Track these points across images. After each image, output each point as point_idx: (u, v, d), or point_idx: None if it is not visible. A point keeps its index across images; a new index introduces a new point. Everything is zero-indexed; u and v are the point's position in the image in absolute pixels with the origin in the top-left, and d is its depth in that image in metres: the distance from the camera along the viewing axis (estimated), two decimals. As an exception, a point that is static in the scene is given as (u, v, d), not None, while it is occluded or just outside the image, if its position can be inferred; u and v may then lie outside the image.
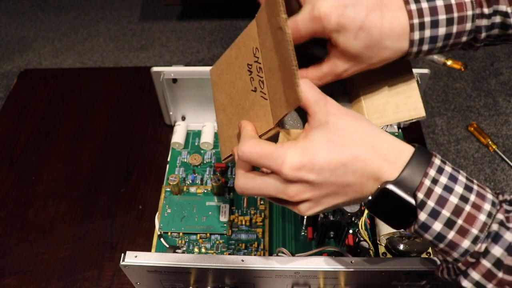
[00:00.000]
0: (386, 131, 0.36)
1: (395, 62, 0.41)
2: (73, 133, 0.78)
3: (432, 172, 0.33)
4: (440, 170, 0.33)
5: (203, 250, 0.60)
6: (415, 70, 0.61)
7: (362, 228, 0.57)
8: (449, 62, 1.69)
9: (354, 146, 0.33)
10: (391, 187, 0.33)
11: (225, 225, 0.62)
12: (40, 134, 0.78)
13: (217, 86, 0.47)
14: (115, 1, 2.11)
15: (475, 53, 1.75)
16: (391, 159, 0.33)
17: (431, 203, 0.32)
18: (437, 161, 0.33)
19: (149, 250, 0.61)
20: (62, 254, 0.62)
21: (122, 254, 0.46)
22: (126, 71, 0.91)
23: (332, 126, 0.34)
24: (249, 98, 0.40)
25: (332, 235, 0.59)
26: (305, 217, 0.60)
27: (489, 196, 0.33)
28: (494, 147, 1.41)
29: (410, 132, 0.74)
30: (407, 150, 0.34)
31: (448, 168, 0.33)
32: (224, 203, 0.64)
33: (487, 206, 0.32)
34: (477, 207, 0.32)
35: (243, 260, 0.45)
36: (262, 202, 0.64)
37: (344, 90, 0.43)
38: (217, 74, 0.47)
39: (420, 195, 0.32)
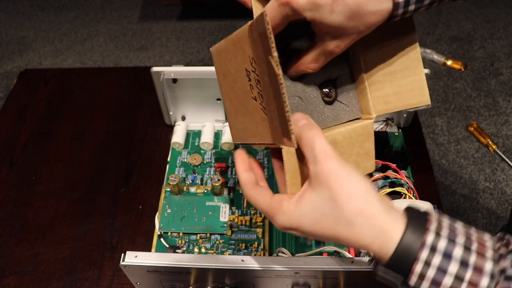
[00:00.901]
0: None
1: (403, 48, 0.40)
2: (73, 133, 0.78)
3: (424, 255, 0.31)
4: (433, 250, 0.31)
5: (203, 250, 0.60)
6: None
7: (362, 228, 0.57)
8: (449, 62, 1.69)
9: (337, 226, 0.33)
10: (381, 273, 0.33)
11: (225, 225, 0.62)
12: (40, 134, 0.78)
13: (220, 72, 0.44)
14: (115, 1, 2.11)
15: (475, 53, 1.75)
16: (378, 241, 0.32)
17: (425, 287, 0.31)
18: (429, 239, 0.31)
19: (149, 250, 0.61)
20: (62, 254, 0.62)
21: (122, 254, 0.46)
22: (126, 71, 0.91)
23: (323, 196, 0.33)
24: (251, 104, 0.39)
25: (332, 235, 0.59)
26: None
27: (488, 266, 0.31)
28: (494, 147, 1.41)
29: (410, 132, 0.74)
30: (397, 228, 0.32)
31: (442, 245, 0.31)
32: (224, 203, 0.64)
33: (484, 283, 0.30)
34: (473, 285, 0.31)
35: (243, 260, 0.45)
36: (262, 202, 0.64)
37: (350, 75, 0.43)
38: (218, 60, 0.44)
39: (413, 281, 0.32)
